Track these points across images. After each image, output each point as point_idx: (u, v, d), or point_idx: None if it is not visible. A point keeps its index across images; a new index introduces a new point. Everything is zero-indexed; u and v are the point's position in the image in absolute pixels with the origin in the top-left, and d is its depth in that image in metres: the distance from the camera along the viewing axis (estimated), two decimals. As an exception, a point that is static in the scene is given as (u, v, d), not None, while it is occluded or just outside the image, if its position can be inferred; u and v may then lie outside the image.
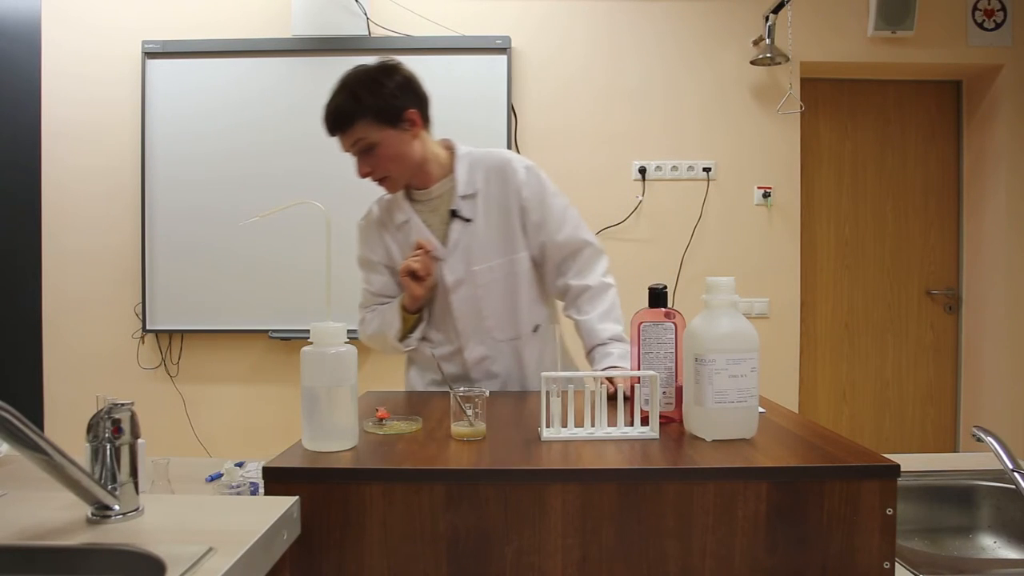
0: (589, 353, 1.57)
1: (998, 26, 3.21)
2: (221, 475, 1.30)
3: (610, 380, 1.30)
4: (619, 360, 1.50)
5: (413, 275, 1.49)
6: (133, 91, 3.13)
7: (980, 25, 3.21)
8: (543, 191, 1.58)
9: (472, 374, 1.60)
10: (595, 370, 1.51)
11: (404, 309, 1.56)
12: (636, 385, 1.09)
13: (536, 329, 1.63)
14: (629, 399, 1.08)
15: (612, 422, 1.08)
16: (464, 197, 1.56)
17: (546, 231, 1.58)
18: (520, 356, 1.61)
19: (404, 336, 1.60)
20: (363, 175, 1.51)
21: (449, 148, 1.62)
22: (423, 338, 1.64)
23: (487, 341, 1.59)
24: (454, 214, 1.55)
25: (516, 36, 3.13)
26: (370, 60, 1.54)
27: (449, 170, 1.59)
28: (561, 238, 1.58)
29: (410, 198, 1.61)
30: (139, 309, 3.14)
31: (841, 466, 0.90)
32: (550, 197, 1.59)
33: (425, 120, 1.56)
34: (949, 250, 3.50)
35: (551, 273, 1.62)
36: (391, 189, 1.57)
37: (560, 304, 1.68)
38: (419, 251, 1.50)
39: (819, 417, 3.40)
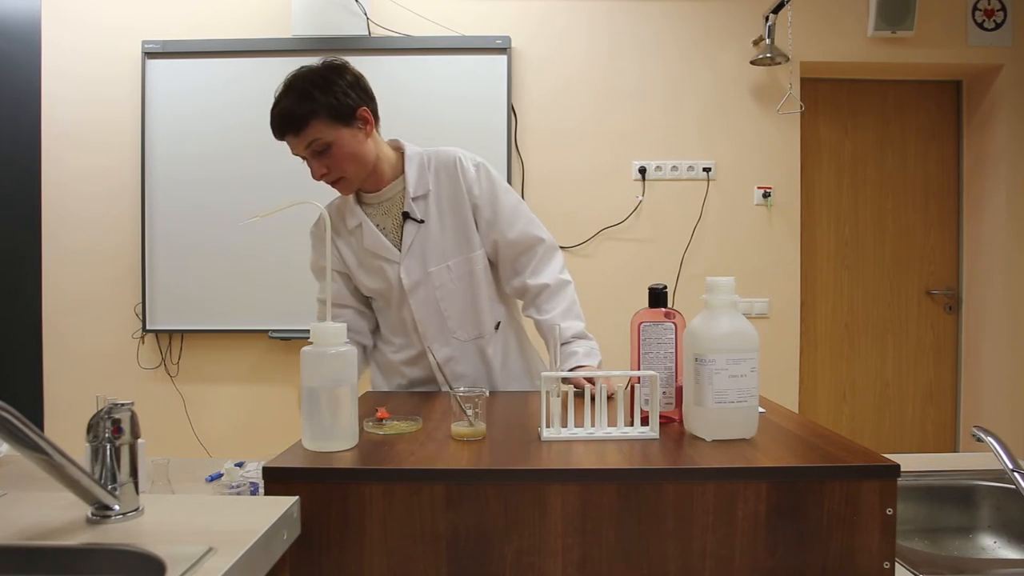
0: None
1: (998, 26, 3.21)
2: (221, 475, 1.30)
3: (589, 380, 1.29)
4: (585, 358, 1.48)
5: None
6: (133, 91, 3.13)
7: (980, 25, 3.21)
8: (493, 188, 1.56)
9: (447, 378, 1.57)
10: (561, 370, 1.49)
11: None
12: (636, 385, 1.09)
13: (498, 327, 1.62)
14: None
15: (612, 422, 1.08)
16: (415, 198, 1.54)
17: (498, 229, 1.55)
18: (484, 355, 1.59)
19: None
20: (318, 177, 1.48)
21: (398, 148, 1.59)
22: (385, 342, 1.63)
23: (451, 342, 1.57)
24: (407, 216, 1.54)
25: (516, 36, 3.13)
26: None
27: (400, 171, 1.56)
28: (513, 235, 1.56)
29: (360, 201, 1.58)
30: (139, 309, 3.14)
31: (841, 466, 0.90)
32: (501, 194, 1.57)
33: (376, 119, 1.52)
34: (949, 250, 3.50)
35: (506, 272, 1.60)
36: (346, 190, 1.54)
37: (519, 304, 1.67)
38: None
39: (819, 417, 3.40)
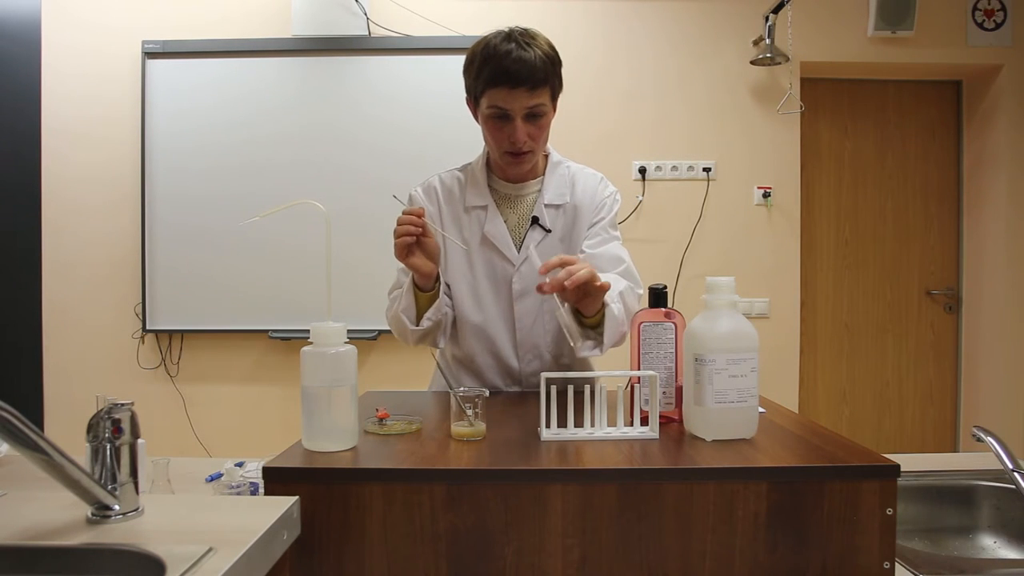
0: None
1: (998, 26, 3.21)
2: (221, 475, 1.30)
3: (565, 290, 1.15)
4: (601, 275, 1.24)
5: (406, 247, 1.32)
6: (133, 92, 3.13)
7: (980, 25, 3.21)
8: (613, 218, 1.55)
9: (524, 388, 1.54)
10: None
11: (416, 287, 1.43)
12: (636, 385, 1.09)
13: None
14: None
15: (612, 422, 1.08)
16: (549, 206, 1.50)
17: (589, 245, 1.50)
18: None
19: (419, 318, 1.45)
20: (523, 141, 1.40)
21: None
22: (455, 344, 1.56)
23: (542, 356, 1.53)
24: (535, 221, 1.49)
25: (516, 36, 3.13)
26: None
27: (540, 172, 1.54)
28: (599, 251, 1.48)
29: (490, 185, 1.53)
30: (139, 309, 3.14)
31: (841, 466, 0.90)
32: (613, 228, 1.55)
33: None
34: (949, 250, 3.50)
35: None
36: (525, 166, 1.47)
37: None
38: (409, 217, 1.30)
39: (819, 417, 3.40)
